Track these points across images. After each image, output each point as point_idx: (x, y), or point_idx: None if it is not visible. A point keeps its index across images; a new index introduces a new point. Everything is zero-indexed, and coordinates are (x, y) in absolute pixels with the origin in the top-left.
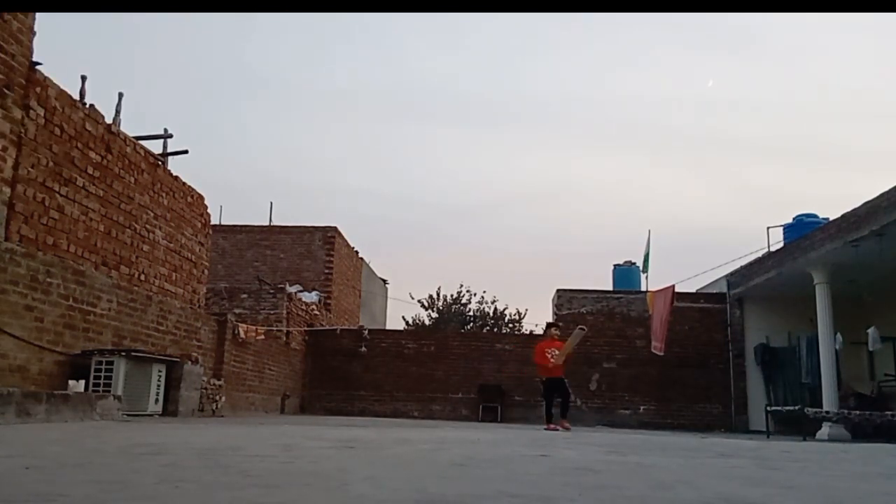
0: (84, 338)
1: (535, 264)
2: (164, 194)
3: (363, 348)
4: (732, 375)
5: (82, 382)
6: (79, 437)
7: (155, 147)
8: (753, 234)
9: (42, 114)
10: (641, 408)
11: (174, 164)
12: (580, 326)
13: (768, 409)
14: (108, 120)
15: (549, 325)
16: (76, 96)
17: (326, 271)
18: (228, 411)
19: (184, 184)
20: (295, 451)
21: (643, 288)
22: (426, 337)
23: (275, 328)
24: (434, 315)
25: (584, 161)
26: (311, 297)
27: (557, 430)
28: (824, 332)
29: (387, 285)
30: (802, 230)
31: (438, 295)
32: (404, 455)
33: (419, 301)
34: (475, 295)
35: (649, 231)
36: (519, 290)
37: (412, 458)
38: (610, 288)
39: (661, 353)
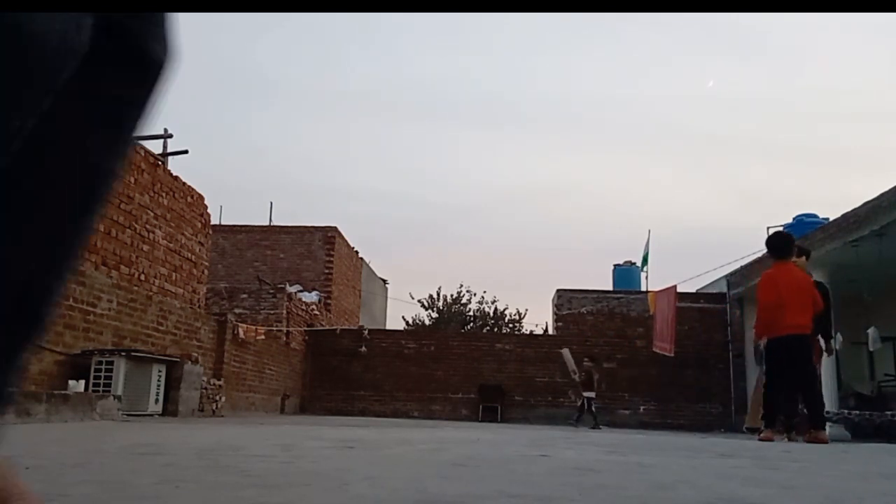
0: (84, 338)
1: (535, 264)
2: (163, 194)
3: (363, 348)
4: (732, 375)
5: (82, 382)
6: (79, 437)
7: (155, 147)
8: (753, 234)
9: None
10: (641, 408)
11: (174, 164)
12: None
13: None
14: None
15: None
16: None
17: (326, 271)
18: (228, 411)
19: (184, 184)
20: (295, 451)
21: (643, 288)
22: (426, 337)
23: (275, 328)
24: (434, 315)
25: (585, 161)
26: (311, 297)
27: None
28: None
29: (387, 285)
30: (802, 230)
31: (438, 295)
32: (404, 455)
33: (419, 301)
34: (475, 295)
35: (649, 231)
36: (519, 290)
37: (412, 458)
38: (610, 288)
39: (671, 354)
